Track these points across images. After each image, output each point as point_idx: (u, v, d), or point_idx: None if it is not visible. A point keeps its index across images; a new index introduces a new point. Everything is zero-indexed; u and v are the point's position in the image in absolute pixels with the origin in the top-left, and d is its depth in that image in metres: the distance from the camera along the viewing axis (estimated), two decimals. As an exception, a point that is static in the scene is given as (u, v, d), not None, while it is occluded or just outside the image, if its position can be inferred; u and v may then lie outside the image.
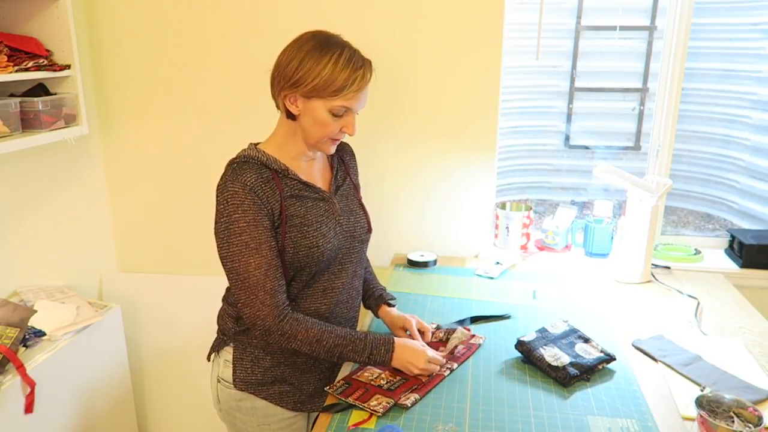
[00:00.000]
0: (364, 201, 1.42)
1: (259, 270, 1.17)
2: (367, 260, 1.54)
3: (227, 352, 1.33)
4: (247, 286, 1.18)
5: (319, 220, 1.26)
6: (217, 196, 1.20)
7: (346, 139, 1.32)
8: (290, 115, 1.24)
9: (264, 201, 1.19)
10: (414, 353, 1.25)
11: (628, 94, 2.17)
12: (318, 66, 1.16)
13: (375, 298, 1.50)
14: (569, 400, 1.18)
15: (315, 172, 1.33)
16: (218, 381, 1.35)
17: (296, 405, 1.34)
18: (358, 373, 1.26)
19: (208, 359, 1.40)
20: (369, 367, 1.28)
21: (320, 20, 1.87)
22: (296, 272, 1.25)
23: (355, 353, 1.23)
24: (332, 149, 1.29)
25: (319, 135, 1.23)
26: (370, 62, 1.23)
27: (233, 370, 1.31)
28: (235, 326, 1.32)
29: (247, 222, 1.17)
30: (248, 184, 1.18)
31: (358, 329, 1.45)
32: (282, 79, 1.20)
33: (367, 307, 1.52)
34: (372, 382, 1.22)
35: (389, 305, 1.48)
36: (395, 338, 1.28)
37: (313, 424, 1.17)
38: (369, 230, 1.39)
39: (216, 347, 1.37)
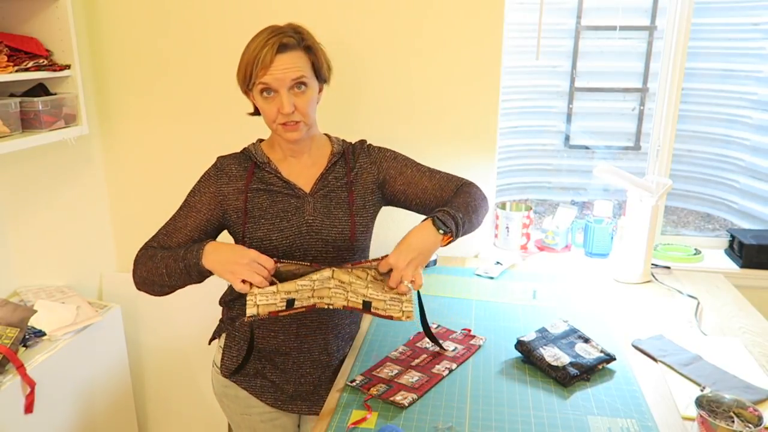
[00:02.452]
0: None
1: (167, 225, 1.28)
2: (464, 191, 1.30)
3: (223, 339, 1.37)
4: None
5: (281, 216, 1.24)
6: None
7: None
8: (257, 112, 1.28)
9: (223, 180, 1.25)
10: (233, 250, 1.14)
11: (628, 94, 2.17)
12: (241, 58, 1.20)
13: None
14: (569, 400, 1.18)
15: (302, 169, 1.31)
16: (213, 365, 1.39)
17: (276, 402, 1.34)
18: (377, 369, 1.26)
19: (209, 343, 1.43)
20: (388, 363, 1.27)
21: (320, 20, 1.87)
22: None
23: (174, 260, 1.18)
24: (290, 136, 1.22)
25: (269, 124, 1.24)
26: (277, 30, 1.17)
27: (221, 357, 1.35)
28: (226, 314, 1.37)
29: (194, 188, 1.28)
30: (219, 165, 1.29)
31: (358, 340, 1.43)
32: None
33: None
34: (394, 379, 1.22)
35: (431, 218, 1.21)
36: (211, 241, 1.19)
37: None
38: (351, 238, 1.26)
39: (217, 332, 1.41)
